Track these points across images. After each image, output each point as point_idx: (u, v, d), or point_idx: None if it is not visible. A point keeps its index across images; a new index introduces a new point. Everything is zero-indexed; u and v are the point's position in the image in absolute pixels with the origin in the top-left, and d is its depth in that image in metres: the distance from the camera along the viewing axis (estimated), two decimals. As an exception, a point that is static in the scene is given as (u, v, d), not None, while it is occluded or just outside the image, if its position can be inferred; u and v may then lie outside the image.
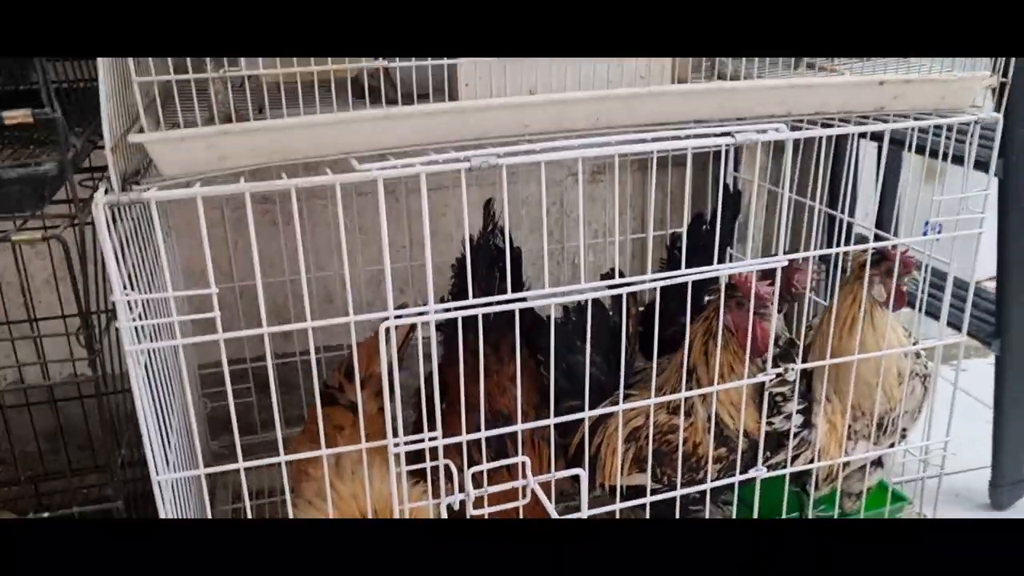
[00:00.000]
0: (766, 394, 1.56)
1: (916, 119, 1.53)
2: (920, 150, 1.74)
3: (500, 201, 2.02)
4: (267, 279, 2.07)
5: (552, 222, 2.44)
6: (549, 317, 1.70)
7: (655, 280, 1.45)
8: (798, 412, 1.63)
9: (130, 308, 1.19)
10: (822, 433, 1.66)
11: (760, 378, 1.55)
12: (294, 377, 2.33)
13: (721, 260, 1.51)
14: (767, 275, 1.52)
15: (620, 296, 1.68)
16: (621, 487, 1.65)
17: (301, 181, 1.18)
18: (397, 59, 1.28)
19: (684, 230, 1.78)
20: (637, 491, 1.62)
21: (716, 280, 1.72)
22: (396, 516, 1.45)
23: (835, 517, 1.77)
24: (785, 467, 1.65)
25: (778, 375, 1.56)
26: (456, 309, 1.33)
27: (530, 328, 1.70)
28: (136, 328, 1.21)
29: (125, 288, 1.19)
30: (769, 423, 1.60)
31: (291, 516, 1.45)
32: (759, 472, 1.61)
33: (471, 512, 1.42)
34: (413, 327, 1.61)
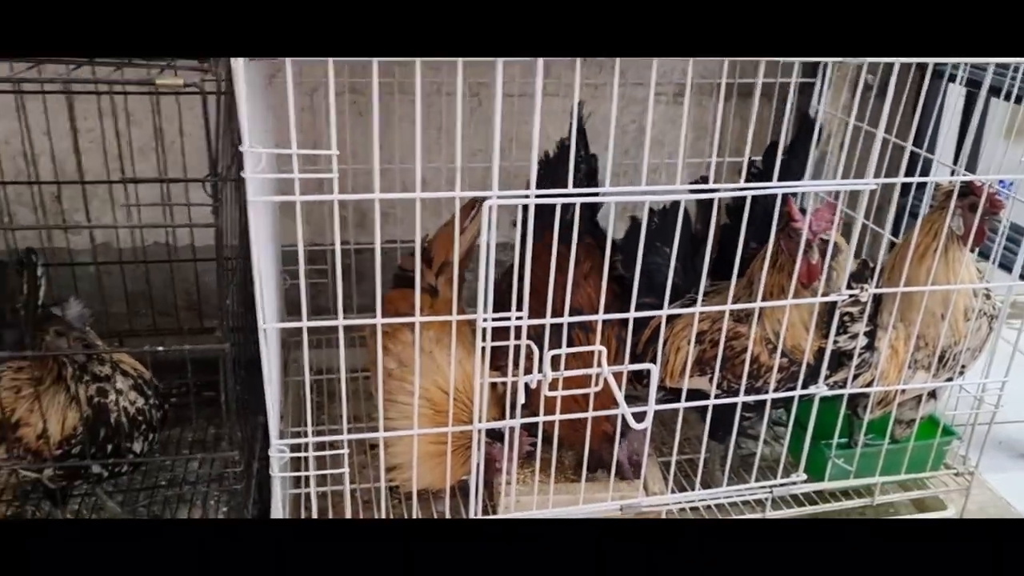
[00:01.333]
0: (837, 312, 1.60)
1: None
2: (1018, 99, 1.73)
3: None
4: (354, 165, 2.15)
5: (629, 140, 2.48)
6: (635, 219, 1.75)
7: (745, 189, 1.49)
8: (864, 334, 1.68)
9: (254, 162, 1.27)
10: (884, 358, 1.70)
11: (833, 297, 1.60)
12: (371, 268, 2.42)
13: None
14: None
15: (707, 204, 1.73)
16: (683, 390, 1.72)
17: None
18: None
19: (780, 147, 1.79)
20: (696, 396, 1.69)
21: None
22: (476, 392, 1.54)
23: (883, 445, 1.83)
24: (844, 387, 1.70)
25: (852, 296, 1.60)
26: (555, 196, 1.39)
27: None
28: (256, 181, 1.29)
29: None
30: (835, 341, 1.65)
31: (378, 387, 1.54)
32: (819, 389, 1.67)
33: (546, 392, 1.50)
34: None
